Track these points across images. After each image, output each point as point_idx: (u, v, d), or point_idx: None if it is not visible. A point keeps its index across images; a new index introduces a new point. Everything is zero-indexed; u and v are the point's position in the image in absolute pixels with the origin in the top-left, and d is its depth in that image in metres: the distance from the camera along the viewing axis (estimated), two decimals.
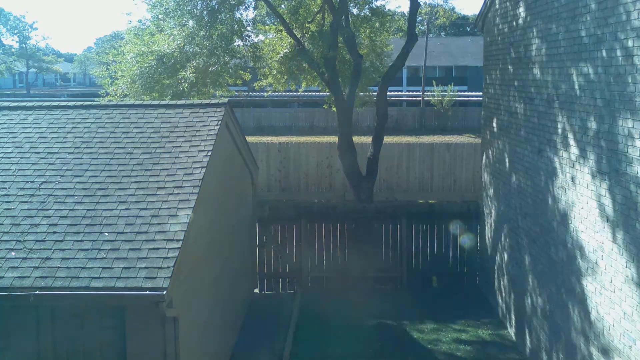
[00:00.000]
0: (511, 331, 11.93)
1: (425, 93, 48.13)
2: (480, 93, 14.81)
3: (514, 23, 11.49)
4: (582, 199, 8.41)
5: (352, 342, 11.56)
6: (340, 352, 11.22)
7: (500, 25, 12.40)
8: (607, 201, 7.69)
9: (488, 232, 13.54)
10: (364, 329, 12.28)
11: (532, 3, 10.42)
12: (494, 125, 12.92)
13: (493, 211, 13.13)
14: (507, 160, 12.04)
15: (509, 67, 11.86)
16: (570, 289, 8.89)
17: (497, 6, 12.60)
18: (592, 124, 8.08)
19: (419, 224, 14.45)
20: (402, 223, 14.36)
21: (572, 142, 8.76)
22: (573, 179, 8.72)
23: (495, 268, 12.98)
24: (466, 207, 14.80)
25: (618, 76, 7.36)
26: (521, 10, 11.05)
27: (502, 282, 12.50)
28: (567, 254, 8.98)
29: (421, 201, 21.24)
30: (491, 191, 13.26)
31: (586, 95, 8.28)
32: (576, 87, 8.61)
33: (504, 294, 12.39)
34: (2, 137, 9.60)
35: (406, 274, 14.39)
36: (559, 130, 9.24)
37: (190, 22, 17.21)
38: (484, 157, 13.88)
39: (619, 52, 7.33)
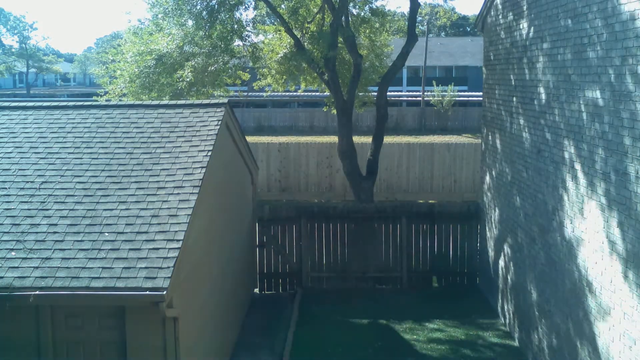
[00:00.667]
0: (511, 331, 11.93)
1: (425, 93, 48.14)
2: (481, 93, 14.81)
3: (514, 23, 11.49)
4: (582, 199, 8.41)
5: (352, 342, 11.57)
6: (340, 351, 11.22)
7: (500, 26, 12.41)
8: (605, 201, 7.70)
9: (488, 232, 13.54)
10: (363, 329, 12.29)
11: (532, 3, 10.43)
12: (494, 125, 12.92)
13: (493, 211, 13.13)
14: (507, 160, 12.04)
15: (509, 67, 11.86)
16: (570, 288, 8.90)
17: (497, 6, 12.61)
18: (592, 123, 8.09)
19: (419, 224, 14.45)
20: (402, 223, 14.36)
21: (571, 141, 8.76)
22: (572, 179, 8.72)
23: (496, 268, 12.98)
24: (466, 207, 14.81)
25: (618, 76, 7.36)
26: (521, 11, 11.05)
27: (502, 282, 12.50)
28: (567, 254, 8.98)
29: (421, 201, 21.25)
30: (491, 191, 13.26)
31: (586, 95, 8.28)
32: (576, 87, 8.62)
33: (504, 294, 12.39)
34: (2, 137, 9.60)
35: (406, 274, 14.40)
36: (559, 130, 9.24)
37: (190, 22, 17.20)
38: (484, 157, 13.89)
39: (619, 52, 7.34)
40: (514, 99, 11.54)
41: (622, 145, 7.25)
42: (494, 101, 12.95)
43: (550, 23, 9.58)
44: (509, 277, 12.03)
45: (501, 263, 12.55)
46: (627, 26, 7.12)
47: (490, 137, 13.31)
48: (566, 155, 8.96)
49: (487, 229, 13.64)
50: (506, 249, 12.18)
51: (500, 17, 12.43)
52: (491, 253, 13.31)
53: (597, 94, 7.94)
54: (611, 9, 7.53)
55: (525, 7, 10.84)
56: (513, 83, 11.62)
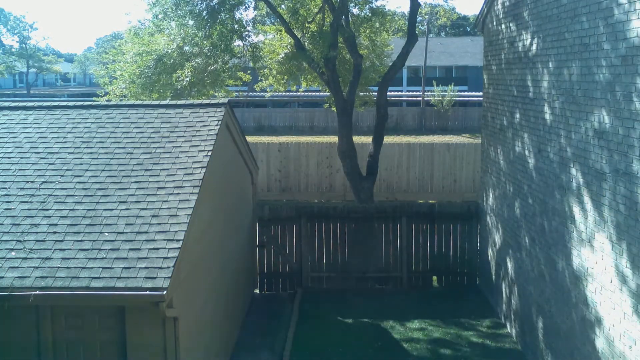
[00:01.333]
0: (511, 331, 11.93)
1: (425, 93, 48.15)
2: (481, 93, 14.82)
3: (514, 23, 11.49)
4: (582, 199, 8.41)
5: (352, 342, 11.57)
6: (340, 351, 11.22)
7: (500, 26, 12.40)
8: (606, 201, 7.70)
9: (488, 232, 13.54)
10: (364, 329, 12.29)
11: (532, 3, 10.43)
12: (494, 125, 12.92)
13: (493, 211, 13.13)
14: (507, 160, 12.04)
15: (509, 67, 11.85)
16: (570, 288, 8.90)
17: (496, 7, 12.60)
18: (591, 123, 8.08)
19: (419, 224, 14.45)
20: (402, 223, 14.36)
21: (570, 141, 8.76)
22: (573, 178, 8.72)
23: (496, 268, 12.98)
24: (466, 207, 14.81)
25: (618, 76, 7.36)
26: (521, 11, 11.05)
27: (502, 282, 12.50)
28: (567, 254, 8.98)
29: (421, 201, 21.24)
30: (491, 191, 13.26)
31: (586, 95, 8.28)
32: (576, 87, 8.61)
33: (504, 294, 12.39)
34: (2, 137, 9.60)
35: (406, 273, 14.39)
36: (559, 130, 9.24)
37: (190, 22, 17.20)
38: (484, 157, 13.89)
39: (619, 53, 7.34)
40: (514, 98, 11.54)
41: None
42: (494, 101, 12.95)
43: (550, 23, 9.58)
44: (509, 277, 12.03)
45: (501, 263, 12.54)
46: (628, 26, 7.12)
47: (490, 137, 13.31)
48: (564, 154, 8.96)
49: (487, 229, 13.64)
50: (506, 249, 12.17)
51: (500, 17, 12.43)
52: (491, 253, 13.31)
53: (598, 93, 7.94)
54: (610, 9, 7.53)
55: (525, 7, 10.84)
56: (513, 83, 11.62)
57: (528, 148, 10.71)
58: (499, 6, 12.43)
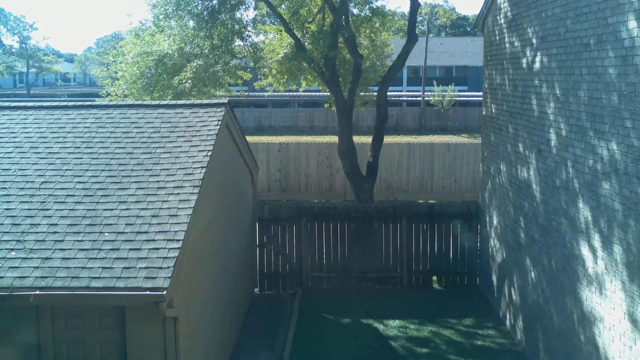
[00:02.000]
0: (512, 331, 11.92)
1: (425, 93, 48.15)
2: (481, 93, 14.82)
3: (514, 23, 11.49)
4: (583, 199, 8.41)
5: (352, 342, 11.57)
6: (340, 351, 11.22)
7: (500, 26, 12.40)
8: (608, 201, 7.70)
9: (488, 232, 13.53)
10: (364, 329, 12.28)
11: (532, 3, 10.42)
12: (494, 125, 12.92)
13: (493, 211, 13.13)
14: (507, 160, 12.04)
15: (509, 67, 11.85)
16: (570, 288, 8.90)
17: (497, 7, 12.60)
18: (592, 123, 8.08)
19: (419, 224, 14.45)
20: (402, 223, 14.36)
21: (570, 140, 8.76)
22: (573, 178, 8.72)
23: (496, 268, 12.98)
24: (466, 207, 14.81)
25: (619, 76, 7.36)
26: (521, 11, 11.05)
27: (502, 282, 12.50)
28: (567, 254, 8.98)
29: (421, 201, 21.24)
30: (491, 191, 13.26)
31: (586, 95, 8.28)
32: (577, 86, 8.61)
33: (504, 294, 12.39)
34: (2, 137, 9.60)
35: (406, 274, 14.39)
36: (560, 130, 9.24)
37: (191, 22, 17.20)
38: (484, 157, 13.89)
39: (620, 52, 7.34)
40: (514, 98, 11.54)
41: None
42: (494, 102, 12.95)
43: (551, 23, 9.58)
44: (508, 278, 12.02)
45: (501, 263, 12.54)
46: (629, 26, 7.12)
47: (490, 137, 13.31)
48: (564, 154, 8.96)
49: (487, 229, 13.64)
50: (506, 249, 12.17)
51: (500, 17, 12.43)
52: (491, 253, 13.31)
53: (598, 94, 7.94)
54: (611, 8, 7.52)
55: (525, 7, 10.83)
56: (513, 83, 11.62)
57: (528, 148, 10.71)
58: (499, 6, 12.43)
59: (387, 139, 21.83)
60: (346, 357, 11.08)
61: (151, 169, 8.72)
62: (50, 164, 8.91)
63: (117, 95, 18.92)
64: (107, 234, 7.51)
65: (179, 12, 16.54)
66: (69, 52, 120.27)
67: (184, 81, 17.17)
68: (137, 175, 8.59)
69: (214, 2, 16.29)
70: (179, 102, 10.87)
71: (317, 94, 44.77)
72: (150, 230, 7.55)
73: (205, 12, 16.19)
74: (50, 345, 7.24)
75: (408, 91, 60.10)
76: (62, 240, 7.43)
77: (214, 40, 16.56)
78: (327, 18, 17.71)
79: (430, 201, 20.70)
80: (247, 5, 17.96)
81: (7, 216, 7.83)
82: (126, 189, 8.33)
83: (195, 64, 17.39)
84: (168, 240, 7.39)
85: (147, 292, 6.72)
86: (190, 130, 9.63)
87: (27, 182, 8.51)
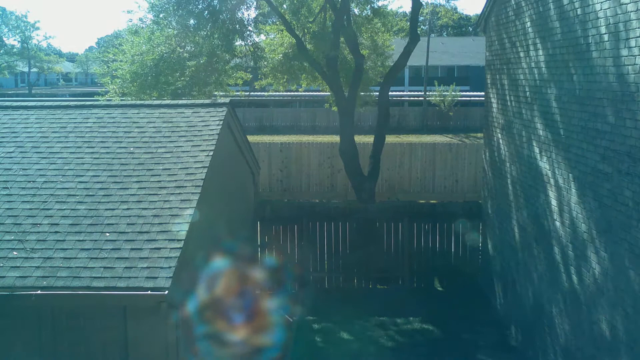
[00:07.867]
0: (513, 331, 11.91)
1: (427, 93, 48.05)
2: (482, 93, 14.82)
3: (516, 23, 11.47)
4: (584, 200, 8.40)
5: (353, 342, 11.57)
6: (341, 351, 11.22)
7: (502, 26, 12.38)
8: (609, 202, 7.68)
9: (490, 232, 13.52)
10: (365, 329, 12.28)
11: (534, 3, 10.40)
12: (496, 125, 12.91)
13: (495, 211, 13.11)
14: (508, 160, 12.03)
15: (511, 67, 11.83)
16: (572, 289, 8.88)
17: (498, 7, 12.58)
18: (593, 123, 8.07)
19: (420, 224, 14.45)
20: (403, 223, 14.35)
21: (570, 140, 8.74)
22: (572, 178, 8.71)
23: (497, 268, 12.96)
24: (468, 207, 14.81)
25: (621, 76, 7.34)
26: (523, 11, 11.03)
27: (504, 282, 12.48)
28: (569, 255, 8.97)
29: (423, 201, 21.20)
30: (493, 191, 13.24)
31: (589, 95, 8.26)
32: (579, 86, 8.60)
33: (505, 294, 12.37)
34: (4, 137, 9.61)
35: (408, 273, 14.39)
36: (562, 130, 9.22)
37: (191, 21, 17.18)
38: (486, 157, 13.87)
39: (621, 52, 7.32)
40: (516, 98, 11.52)
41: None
42: (496, 101, 12.93)
43: (552, 23, 9.56)
44: (510, 277, 12.01)
45: (503, 263, 12.53)
46: (630, 25, 7.10)
47: (492, 137, 13.30)
48: (566, 155, 8.95)
49: (489, 229, 13.63)
50: (508, 249, 12.16)
51: (502, 17, 12.41)
52: (493, 253, 13.29)
53: (600, 93, 7.92)
54: (613, 9, 7.51)
55: (526, 7, 10.81)
56: (515, 83, 11.60)
57: (530, 148, 10.69)
58: (501, 6, 12.41)
59: (389, 139, 21.77)
60: (347, 357, 11.08)
61: (152, 169, 8.72)
62: (51, 163, 8.91)
63: (116, 92, 18.90)
64: (108, 234, 7.51)
65: (180, 11, 16.53)
66: (71, 52, 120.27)
67: (182, 80, 17.15)
68: (138, 175, 8.59)
69: (215, 1, 16.27)
70: (181, 101, 10.88)
71: (319, 93, 44.66)
72: (151, 230, 7.55)
73: (205, 12, 16.17)
74: (52, 345, 7.23)
75: (410, 91, 59.99)
76: (63, 240, 7.43)
77: (214, 39, 16.54)
78: (329, 18, 17.69)
79: (431, 201, 20.66)
80: (248, 5, 17.95)
81: (9, 216, 7.83)
82: (127, 188, 8.33)
83: (195, 63, 17.37)
84: (169, 240, 7.39)
85: (149, 292, 6.72)
86: (191, 130, 9.62)
87: (29, 181, 8.51)
